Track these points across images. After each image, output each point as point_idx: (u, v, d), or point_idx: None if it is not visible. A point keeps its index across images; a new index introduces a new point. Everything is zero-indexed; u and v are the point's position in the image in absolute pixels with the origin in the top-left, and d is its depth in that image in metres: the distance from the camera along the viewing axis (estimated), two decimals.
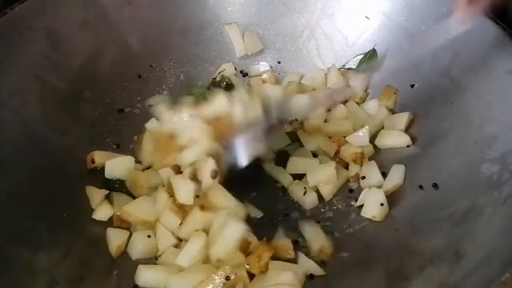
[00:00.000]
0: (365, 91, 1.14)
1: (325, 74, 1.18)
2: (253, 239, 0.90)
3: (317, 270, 0.89)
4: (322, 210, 1.00)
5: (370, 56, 1.12)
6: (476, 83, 0.92)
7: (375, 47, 1.11)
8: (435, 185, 0.91)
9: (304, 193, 0.99)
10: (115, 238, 0.92)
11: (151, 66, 1.19)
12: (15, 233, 0.84)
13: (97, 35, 1.09)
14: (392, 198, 0.96)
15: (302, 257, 0.90)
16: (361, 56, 1.14)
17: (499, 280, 0.66)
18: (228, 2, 1.21)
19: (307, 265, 0.89)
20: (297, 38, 1.22)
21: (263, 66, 1.24)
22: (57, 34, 1.03)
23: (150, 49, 1.18)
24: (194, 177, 0.92)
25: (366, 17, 1.13)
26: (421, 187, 0.93)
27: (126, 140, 1.11)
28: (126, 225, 0.96)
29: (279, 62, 1.23)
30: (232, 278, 0.83)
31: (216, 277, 0.84)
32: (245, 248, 0.88)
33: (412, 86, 1.05)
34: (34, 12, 0.99)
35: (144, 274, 0.88)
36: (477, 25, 0.93)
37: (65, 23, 1.04)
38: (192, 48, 1.21)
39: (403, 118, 1.04)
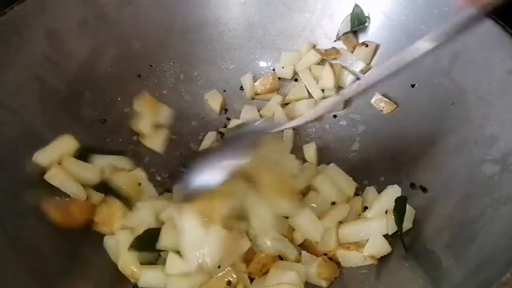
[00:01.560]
0: (368, 64, 1.14)
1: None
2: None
3: None
4: None
5: (356, 12, 1.13)
6: (476, 83, 0.92)
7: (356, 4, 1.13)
8: (435, 186, 0.91)
9: None
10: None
11: (151, 66, 1.19)
12: (14, 233, 0.84)
13: (97, 35, 1.09)
14: None
15: (305, 256, 0.90)
16: (349, 17, 1.14)
17: (500, 281, 0.66)
18: (228, 2, 1.20)
19: (310, 265, 0.89)
20: (297, 38, 1.22)
21: (263, 65, 1.24)
22: (57, 34, 1.03)
23: (150, 49, 1.18)
24: None
25: (366, 17, 1.13)
26: (421, 187, 0.93)
27: (126, 140, 1.11)
28: None
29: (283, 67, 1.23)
30: (233, 282, 0.83)
31: (217, 280, 0.84)
32: (248, 259, 0.88)
33: (412, 86, 1.05)
34: (33, 12, 0.99)
35: (145, 275, 0.87)
36: (477, 25, 0.93)
37: (65, 23, 1.04)
38: (192, 48, 1.21)
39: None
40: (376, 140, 1.08)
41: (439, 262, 0.79)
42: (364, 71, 1.15)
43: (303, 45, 1.21)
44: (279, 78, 1.22)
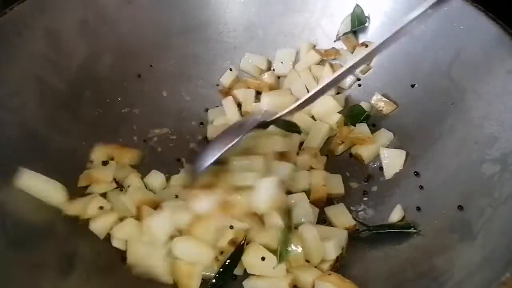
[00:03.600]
0: (368, 64, 1.14)
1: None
2: None
3: None
4: None
5: (357, 12, 1.13)
6: (476, 83, 0.92)
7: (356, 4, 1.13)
8: (435, 186, 0.91)
9: None
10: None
11: (151, 66, 1.19)
12: (15, 234, 0.84)
13: (97, 35, 1.10)
14: (393, 197, 0.97)
15: None
16: (349, 17, 1.15)
17: (500, 280, 0.66)
18: (228, 2, 1.21)
19: None
20: (297, 38, 1.22)
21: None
22: (57, 34, 1.03)
23: (150, 49, 1.18)
24: None
25: (366, 17, 1.13)
26: (421, 187, 0.93)
27: (125, 140, 1.11)
28: None
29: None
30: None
31: None
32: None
33: (412, 86, 1.05)
34: (33, 12, 0.99)
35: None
36: (477, 25, 0.93)
37: (65, 23, 1.04)
38: (192, 48, 1.21)
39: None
40: None
41: (439, 262, 0.79)
42: (364, 72, 1.15)
43: (303, 45, 1.21)
44: (278, 77, 1.23)
